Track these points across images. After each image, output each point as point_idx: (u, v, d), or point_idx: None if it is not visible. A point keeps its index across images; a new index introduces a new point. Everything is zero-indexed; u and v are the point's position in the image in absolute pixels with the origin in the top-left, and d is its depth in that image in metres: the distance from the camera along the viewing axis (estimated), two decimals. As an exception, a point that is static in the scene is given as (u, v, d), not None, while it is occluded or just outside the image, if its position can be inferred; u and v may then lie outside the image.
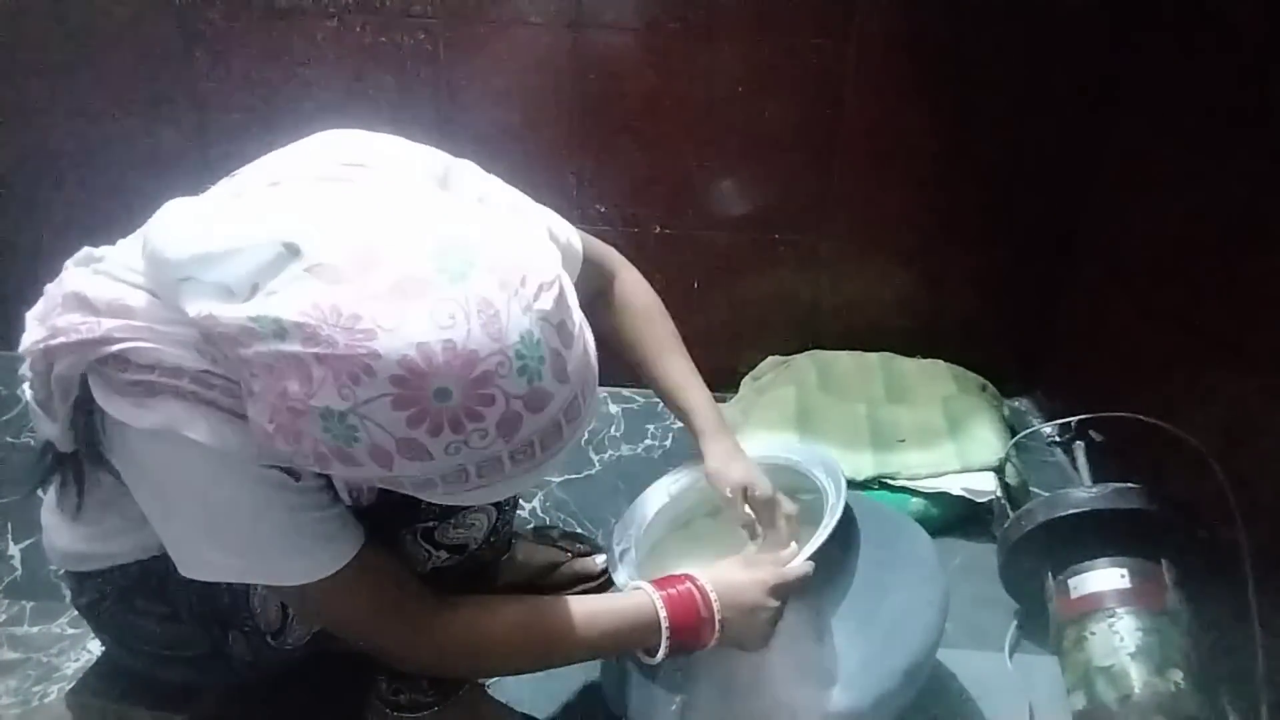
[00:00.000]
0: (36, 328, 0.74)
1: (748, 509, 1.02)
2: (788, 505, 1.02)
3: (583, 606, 0.85)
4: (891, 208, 1.74)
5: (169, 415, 0.68)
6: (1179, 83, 1.43)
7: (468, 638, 0.83)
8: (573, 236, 0.97)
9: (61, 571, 0.96)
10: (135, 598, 0.91)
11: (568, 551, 1.29)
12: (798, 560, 0.93)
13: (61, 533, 0.91)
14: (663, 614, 0.85)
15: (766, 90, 1.64)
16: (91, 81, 1.67)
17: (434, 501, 0.70)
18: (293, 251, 0.62)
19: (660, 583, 0.88)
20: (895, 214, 1.75)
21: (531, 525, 1.41)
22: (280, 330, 0.60)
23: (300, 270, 0.61)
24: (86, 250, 0.77)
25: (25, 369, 0.77)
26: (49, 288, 0.78)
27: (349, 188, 0.70)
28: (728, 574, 0.90)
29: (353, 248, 0.62)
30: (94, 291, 0.71)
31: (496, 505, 0.88)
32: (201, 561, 0.76)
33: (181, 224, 0.68)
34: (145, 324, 0.69)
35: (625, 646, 0.88)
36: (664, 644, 0.85)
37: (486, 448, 0.63)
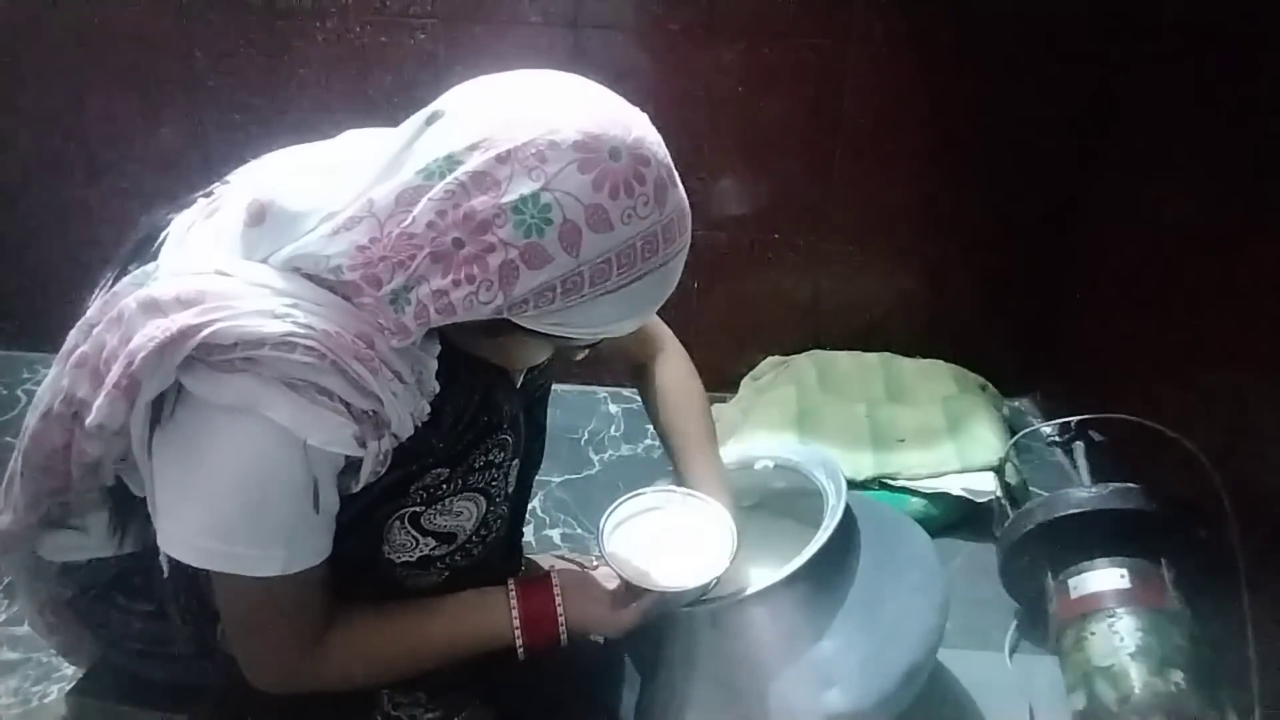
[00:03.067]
0: (85, 379, 0.74)
1: None
2: None
3: (445, 623, 0.88)
4: (891, 208, 1.74)
5: (249, 393, 0.70)
6: (1179, 82, 1.43)
7: (335, 673, 0.85)
8: None
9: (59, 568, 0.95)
10: (117, 595, 0.91)
11: (586, 569, 1.30)
12: (797, 561, 0.93)
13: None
14: (520, 643, 0.88)
15: (766, 90, 1.64)
16: (92, 81, 1.67)
17: (577, 332, 0.75)
18: (435, 116, 0.71)
19: (524, 592, 0.90)
20: (895, 214, 1.75)
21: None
22: (453, 161, 0.68)
23: (448, 120, 0.70)
24: (131, 276, 0.76)
25: (92, 446, 0.77)
26: (82, 350, 0.76)
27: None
28: (593, 610, 0.91)
29: (491, 94, 0.72)
30: (159, 292, 0.71)
31: (486, 495, 0.88)
32: (191, 544, 0.75)
33: (295, 178, 0.75)
34: (219, 303, 0.70)
35: (482, 649, 0.90)
36: (520, 652, 0.89)
37: (648, 217, 0.71)
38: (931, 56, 1.62)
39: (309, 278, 0.73)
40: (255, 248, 0.74)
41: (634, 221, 0.70)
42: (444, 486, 0.83)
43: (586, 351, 0.87)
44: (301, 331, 0.69)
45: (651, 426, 1.13)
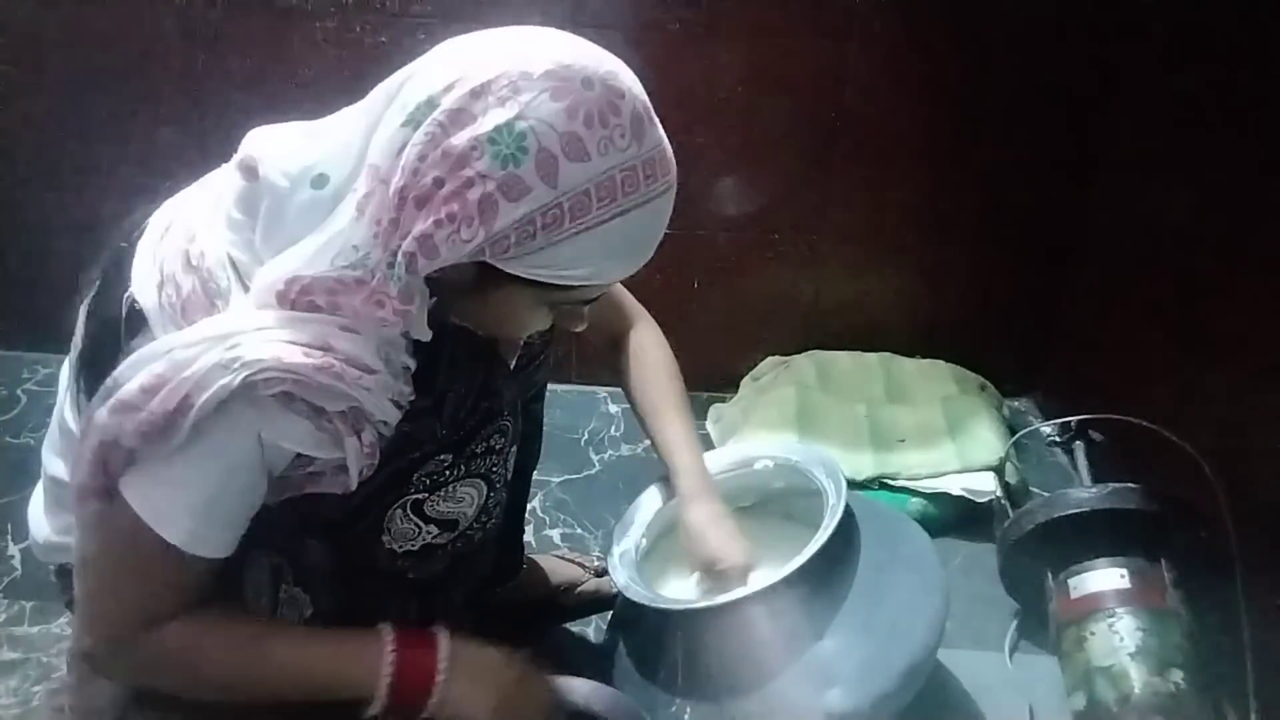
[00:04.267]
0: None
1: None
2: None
3: (304, 653, 0.80)
4: (891, 208, 1.74)
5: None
6: (1179, 83, 1.43)
7: (161, 661, 0.78)
8: None
9: (50, 565, 0.96)
10: None
11: (587, 569, 1.30)
12: (797, 561, 0.93)
13: (43, 525, 0.91)
14: (387, 674, 0.79)
15: (766, 90, 1.64)
16: (91, 81, 1.67)
17: (564, 275, 0.72)
18: (413, 74, 0.72)
19: (403, 640, 0.81)
20: (895, 214, 1.75)
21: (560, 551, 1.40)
22: (431, 104, 0.68)
23: (425, 71, 0.71)
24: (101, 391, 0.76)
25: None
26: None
27: None
28: (483, 657, 0.84)
29: (464, 43, 0.72)
30: (126, 395, 0.70)
31: (487, 481, 0.88)
32: (139, 487, 0.74)
33: (286, 142, 0.76)
34: (178, 379, 0.70)
35: (338, 694, 0.80)
36: (381, 700, 0.79)
37: (626, 149, 0.71)
38: (931, 56, 1.62)
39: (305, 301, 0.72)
40: (253, 205, 0.75)
41: (612, 152, 0.70)
42: (447, 473, 0.83)
43: (583, 322, 0.85)
44: (253, 371, 0.69)
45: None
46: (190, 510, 0.74)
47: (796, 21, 1.59)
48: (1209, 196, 1.33)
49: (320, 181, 0.73)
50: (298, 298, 0.72)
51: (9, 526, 1.38)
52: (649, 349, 1.10)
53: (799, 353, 1.83)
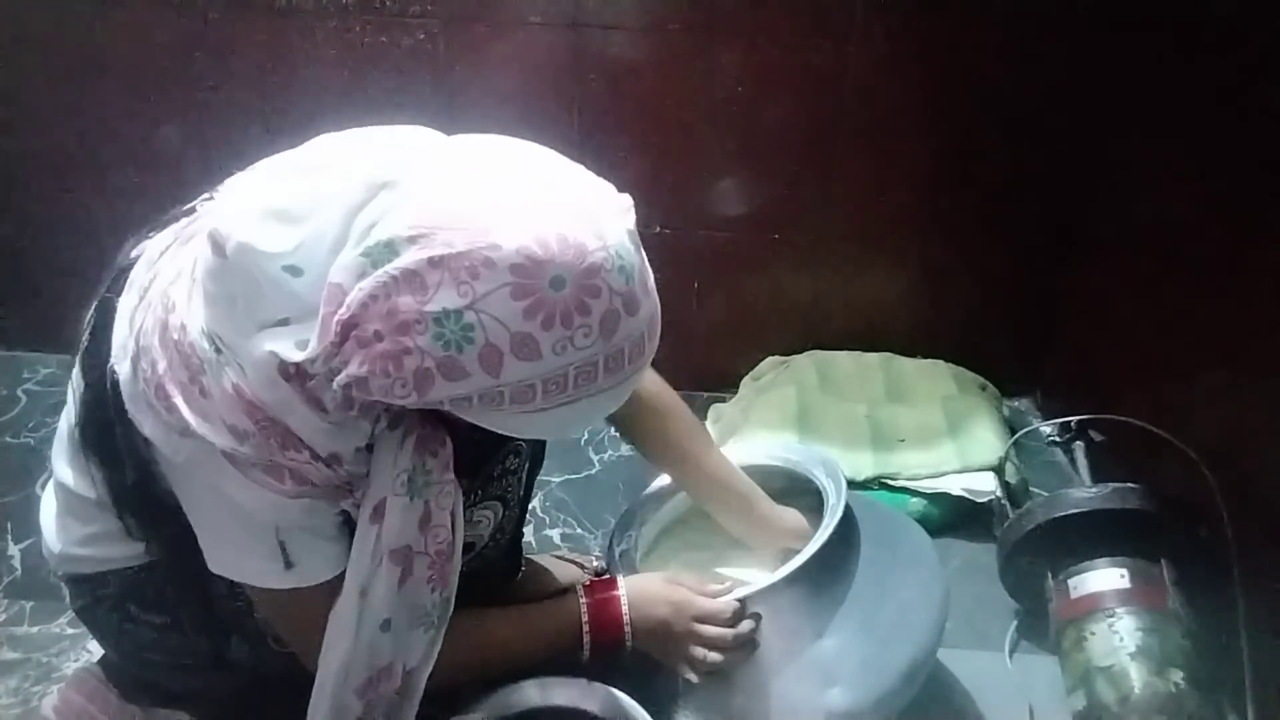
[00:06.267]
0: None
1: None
2: None
3: (516, 622, 0.93)
4: (891, 208, 1.74)
5: (196, 456, 0.73)
6: (1180, 82, 1.43)
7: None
8: None
9: (60, 574, 0.96)
10: (130, 606, 0.91)
11: (587, 570, 1.30)
12: (798, 561, 0.94)
13: (56, 535, 0.91)
14: (585, 621, 0.93)
15: (766, 90, 1.64)
16: (91, 81, 1.67)
17: (506, 431, 0.71)
18: (390, 185, 0.66)
19: (590, 588, 0.96)
20: (895, 214, 1.75)
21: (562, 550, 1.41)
22: (391, 250, 0.63)
23: (399, 195, 0.65)
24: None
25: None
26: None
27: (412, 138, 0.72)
28: (646, 584, 0.96)
29: (445, 170, 0.66)
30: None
31: (502, 502, 0.88)
32: (222, 560, 0.79)
33: (257, 222, 0.68)
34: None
35: (553, 652, 0.94)
36: (586, 649, 0.93)
37: (588, 347, 0.65)
38: (932, 57, 1.62)
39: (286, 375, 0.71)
40: (225, 281, 0.71)
41: (569, 352, 0.65)
42: (465, 499, 0.83)
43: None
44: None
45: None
46: (270, 556, 0.77)
47: (796, 21, 1.59)
48: (1210, 197, 1.33)
49: (294, 271, 0.68)
50: (296, 374, 0.70)
51: (9, 526, 1.38)
52: (661, 391, 1.08)
53: (799, 353, 1.83)
